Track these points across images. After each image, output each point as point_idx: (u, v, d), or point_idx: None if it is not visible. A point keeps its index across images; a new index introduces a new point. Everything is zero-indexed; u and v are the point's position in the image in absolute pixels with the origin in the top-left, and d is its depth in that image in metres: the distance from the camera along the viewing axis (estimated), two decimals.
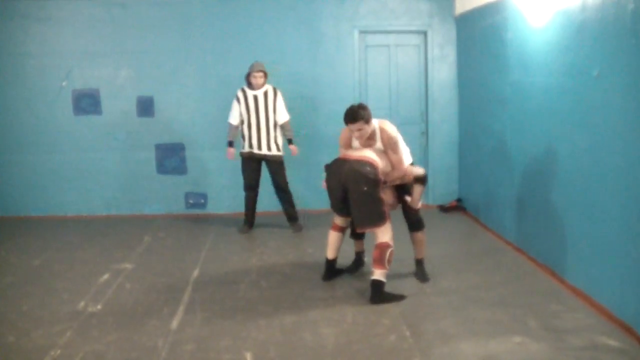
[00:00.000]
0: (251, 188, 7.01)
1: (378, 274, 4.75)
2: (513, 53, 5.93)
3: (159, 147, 7.91)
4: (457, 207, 7.95)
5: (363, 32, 7.95)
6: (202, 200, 8.03)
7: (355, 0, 7.85)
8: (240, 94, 6.81)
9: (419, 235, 5.32)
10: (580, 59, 4.59)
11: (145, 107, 7.85)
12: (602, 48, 4.29)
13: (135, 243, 6.58)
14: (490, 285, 5.07)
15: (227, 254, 6.19)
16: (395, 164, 5.03)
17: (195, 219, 7.75)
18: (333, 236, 5.29)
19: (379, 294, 4.74)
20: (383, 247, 4.78)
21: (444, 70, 8.02)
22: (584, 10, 4.51)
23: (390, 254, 4.79)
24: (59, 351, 3.96)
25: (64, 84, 7.73)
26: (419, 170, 5.16)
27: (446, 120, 8.06)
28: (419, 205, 5.26)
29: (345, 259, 5.62)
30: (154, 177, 7.97)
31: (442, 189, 8.17)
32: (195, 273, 5.56)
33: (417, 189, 5.15)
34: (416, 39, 8.05)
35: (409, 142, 7.95)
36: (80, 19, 7.68)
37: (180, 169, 7.97)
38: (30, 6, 7.63)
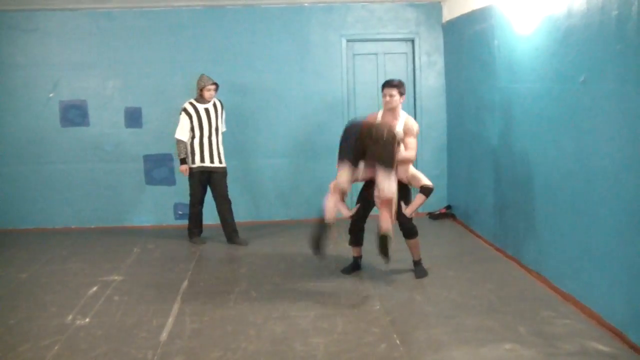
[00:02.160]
0: (201, 202, 6.97)
1: (386, 229, 4.93)
2: (500, 59, 5.96)
3: (147, 158, 7.88)
4: (446, 214, 7.95)
5: (351, 40, 7.96)
6: (189, 213, 7.98)
7: (343, 8, 7.86)
8: (190, 109, 6.71)
9: (413, 241, 5.54)
10: (566, 65, 4.62)
11: (133, 118, 7.82)
12: (588, 54, 4.31)
13: (124, 255, 6.54)
14: (480, 292, 5.06)
15: (217, 265, 6.16)
16: (408, 146, 5.34)
17: (185, 229, 7.71)
18: (332, 200, 5.22)
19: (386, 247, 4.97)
20: (389, 202, 4.97)
21: (432, 77, 8.04)
22: (569, 17, 4.53)
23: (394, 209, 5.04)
24: None
25: (51, 95, 7.69)
26: (427, 181, 5.37)
27: (434, 127, 8.07)
28: (412, 214, 5.39)
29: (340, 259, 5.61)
30: (142, 188, 7.93)
31: (431, 196, 8.13)
32: (185, 284, 5.53)
33: (419, 198, 5.36)
34: (404, 47, 8.07)
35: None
36: (67, 30, 7.65)
37: (169, 179, 7.93)
38: (16, 17, 7.59)
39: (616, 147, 4.00)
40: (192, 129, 6.69)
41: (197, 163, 6.74)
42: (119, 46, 7.71)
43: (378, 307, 4.82)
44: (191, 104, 6.72)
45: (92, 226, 7.87)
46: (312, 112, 7.92)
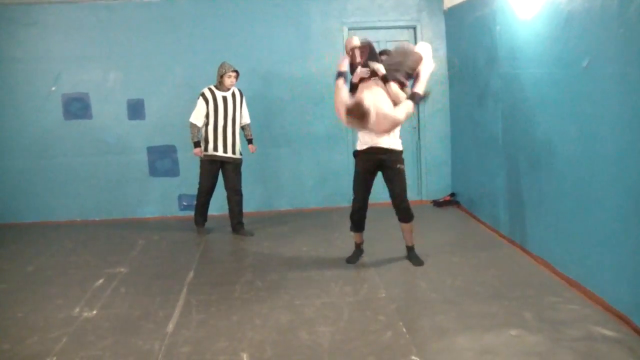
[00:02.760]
0: (209, 193, 6.89)
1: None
2: (502, 45, 5.93)
3: (151, 150, 7.88)
4: (450, 201, 7.94)
5: (352, 28, 7.92)
6: (196, 202, 8.00)
7: None
8: (209, 95, 6.63)
9: (407, 225, 5.58)
10: (569, 50, 4.60)
11: (136, 109, 7.82)
12: (591, 38, 4.29)
13: (129, 247, 6.56)
14: (485, 278, 5.07)
15: (222, 255, 6.18)
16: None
17: (189, 220, 7.72)
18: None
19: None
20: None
21: (434, 63, 7.98)
22: (571, 1, 4.51)
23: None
24: (54, 358, 3.94)
25: (53, 89, 7.69)
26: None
27: (437, 115, 8.05)
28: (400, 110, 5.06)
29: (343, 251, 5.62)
30: (146, 179, 7.94)
31: (435, 184, 8.17)
32: (190, 275, 5.55)
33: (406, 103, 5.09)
34: (406, 34, 8.03)
35: (401, 137, 7.99)
36: (66, 23, 7.63)
37: (173, 171, 7.94)
38: (16, 11, 7.57)
39: (619, 131, 3.99)
40: (207, 115, 6.62)
41: (210, 151, 6.67)
42: (120, 38, 7.69)
43: (383, 295, 4.83)
44: (210, 90, 6.65)
45: (97, 219, 7.88)
46: (313, 101, 7.90)
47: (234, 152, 6.73)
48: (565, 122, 4.73)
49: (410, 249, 5.66)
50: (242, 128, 6.91)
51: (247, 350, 3.94)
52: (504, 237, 6.17)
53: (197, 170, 7.90)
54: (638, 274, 3.88)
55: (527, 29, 5.31)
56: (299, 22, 7.82)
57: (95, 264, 6.00)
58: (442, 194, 8.08)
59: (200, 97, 6.63)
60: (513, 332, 3.99)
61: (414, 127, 8.13)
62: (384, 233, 6.32)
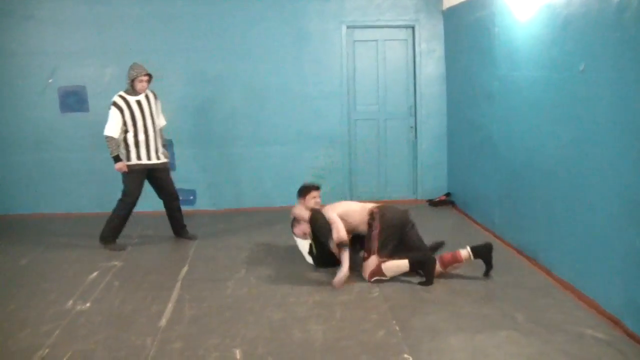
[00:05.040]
0: (134, 203, 6.41)
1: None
2: (500, 47, 5.94)
3: None
4: (446, 201, 7.96)
5: (350, 27, 7.93)
6: (191, 197, 8.01)
7: None
8: (121, 102, 6.11)
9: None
10: (565, 53, 4.61)
11: None
12: (587, 42, 4.30)
13: (124, 241, 6.54)
14: (478, 279, 5.08)
15: (216, 251, 6.18)
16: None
17: (184, 215, 7.71)
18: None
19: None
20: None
21: (431, 64, 8.02)
22: (569, 5, 4.52)
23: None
24: (46, 351, 3.94)
25: (50, 81, 7.67)
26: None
27: (434, 115, 8.07)
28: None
29: None
30: None
31: (431, 184, 8.18)
32: (184, 270, 5.55)
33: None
34: (404, 34, 8.04)
35: (397, 138, 8.01)
36: (63, 17, 7.60)
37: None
38: (12, 4, 7.55)
39: (614, 136, 4.00)
40: (125, 124, 6.13)
41: (134, 161, 6.23)
42: (116, 33, 7.67)
43: (377, 294, 4.83)
44: (121, 96, 6.13)
45: (92, 212, 7.86)
46: (311, 100, 7.91)
47: (158, 158, 6.34)
48: (560, 125, 4.74)
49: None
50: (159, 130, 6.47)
51: (240, 347, 3.95)
52: (497, 238, 6.19)
53: (193, 166, 7.92)
54: (630, 277, 3.90)
55: (525, 31, 5.32)
56: (297, 20, 7.82)
57: (89, 258, 6.00)
58: (438, 194, 8.10)
59: (113, 107, 6.11)
60: (505, 334, 4.00)
61: (411, 126, 8.14)
62: None
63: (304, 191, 5.80)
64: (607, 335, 3.92)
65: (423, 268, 5.07)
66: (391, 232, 5.22)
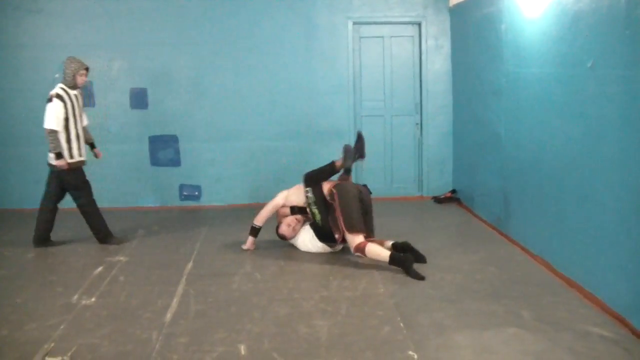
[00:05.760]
0: (92, 198, 6.29)
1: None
2: (507, 44, 5.92)
3: (153, 139, 7.88)
4: (451, 198, 7.95)
5: (357, 23, 7.92)
6: (197, 193, 8.02)
7: None
8: (63, 94, 5.90)
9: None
10: (574, 50, 4.59)
11: (139, 99, 7.82)
12: (597, 39, 4.28)
13: (130, 236, 6.56)
14: (484, 276, 5.07)
15: (221, 247, 6.18)
16: None
17: (190, 211, 7.73)
18: (374, 245, 5.39)
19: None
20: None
21: (438, 61, 8.00)
22: (578, 1, 4.49)
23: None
24: (52, 344, 3.94)
25: (56, 76, 7.67)
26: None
27: (440, 112, 8.06)
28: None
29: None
30: (147, 169, 7.95)
31: (436, 180, 8.18)
32: (189, 265, 5.56)
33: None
34: (410, 30, 8.03)
35: (403, 134, 8.02)
36: (72, 11, 7.63)
37: (174, 161, 7.94)
38: None
39: (623, 133, 3.98)
40: (67, 118, 5.91)
41: (76, 157, 6.04)
42: (124, 28, 7.70)
43: (382, 290, 4.83)
44: (62, 89, 5.93)
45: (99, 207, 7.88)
46: (317, 95, 7.91)
47: (83, 154, 6.17)
48: (568, 122, 4.72)
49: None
50: (84, 128, 6.27)
51: (245, 342, 3.94)
52: (503, 235, 6.18)
53: (198, 161, 7.91)
54: (637, 276, 3.89)
55: (533, 27, 5.30)
56: (304, 16, 7.82)
57: (95, 252, 6.01)
58: (443, 191, 8.09)
59: (56, 99, 5.85)
60: (511, 331, 3.99)
61: (417, 123, 8.13)
62: (382, 228, 6.30)
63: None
64: (613, 334, 3.91)
65: (400, 265, 5.20)
66: (350, 208, 5.44)
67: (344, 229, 5.41)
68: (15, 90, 7.71)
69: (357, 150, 5.75)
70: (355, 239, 5.38)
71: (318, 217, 5.66)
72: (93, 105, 7.78)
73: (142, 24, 7.69)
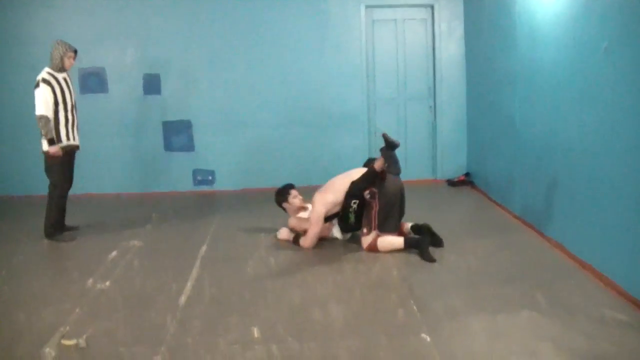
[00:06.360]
0: (68, 191, 6.13)
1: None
2: (521, 26, 5.85)
3: (167, 125, 7.90)
4: (465, 181, 7.91)
5: (370, 6, 7.87)
6: (210, 178, 8.04)
7: None
8: (50, 78, 5.79)
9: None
10: (589, 32, 4.51)
11: (152, 84, 7.82)
12: (613, 21, 4.21)
13: (144, 221, 6.60)
14: (498, 260, 5.05)
15: (235, 231, 6.19)
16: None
17: (204, 196, 7.75)
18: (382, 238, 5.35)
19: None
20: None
21: (451, 45, 7.95)
22: None
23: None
24: (67, 328, 3.97)
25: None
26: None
27: (454, 95, 8.01)
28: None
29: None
30: (161, 154, 7.97)
31: (450, 164, 8.14)
32: (204, 250, 5.57)
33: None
34: (423, 13, 7.97)
35: (418, 118, 8.00)
36: (85, 2, 7.64)
37: (188, 146, 7.96)
38: None
39: (639, 117, 3.93)
40: (56, 102, 5.81)
41: (64, 142, 5.92)
42: (137, 16, 7.71)
43: (396, 274, 4.82)
44: (49, 73, 5.82)
45: (112, 192, 7.92)
46: (330, 80, 7.89)
47: (77, 138, 6.12)
48: (583, 106, 4.66)
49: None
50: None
51: (259, 326, 3.94)
52: (518, 219, 6.14)
53: (212, 146, 7.92)
54: None
55: (547, 9, 5.23)
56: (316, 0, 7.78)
57: (110, 237, 6.04)
58: (457, 174, 8.06)
59: (43, 84, 5.74)
60: (526, 315, 3.96)
61: (430, 106, 8.09)
62: None
63: (284, 194, 5.85)
64: (629, 317, 3.88)
65: (417, 247, 5.19)
66: (390, 210, 5.32)
67: (376, 228, 5.32)
68: (30, 81, 7.70)
69: (390, 148, 5.45)
70: (367, 239, 5.34)
71: (352, 219, 5.52)
72: (106, 91, 7.79)
73: (154, 14, 7.70)
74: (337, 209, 5.46)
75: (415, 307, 4.16)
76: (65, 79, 5.94)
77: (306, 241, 5.50)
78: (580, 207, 4.81)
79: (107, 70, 7.76)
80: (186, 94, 7.83)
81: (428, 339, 3.70)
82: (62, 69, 5.91)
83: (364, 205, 5.40)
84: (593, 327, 3.77)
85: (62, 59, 5.86)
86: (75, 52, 5.98)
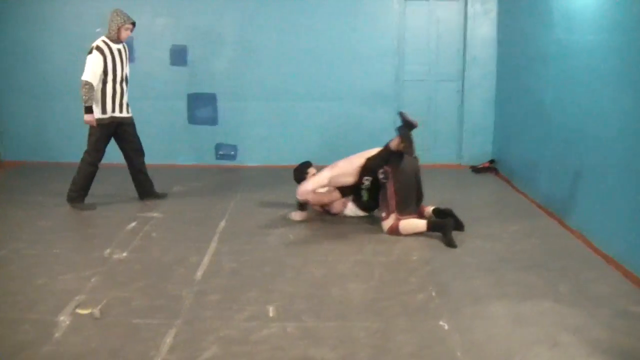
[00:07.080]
0: (100, 161, 6.06)
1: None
2: (558, 8, 5.70)
3: (191, 97, 7.87)
4: (489, 168, 7.79)
5: None
6: (232, 152, 8.01)
7: None
8: (104, 47, 5.73)
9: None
10: (631, 14, 4.36)
11: (179, 56, 7.78)
12: None
13: (165, 192, 6.57)
14: (522, 248, 4.96)
15: (255, 206, 6.16)
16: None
17: (226, 170, 7.71)
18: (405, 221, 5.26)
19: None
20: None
21: (485, 26, 7.79)
22: None
23: None
24: (84, 296, 3.97)
25: (98, 30, 7.64)
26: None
27: (484, 78, 7.87)
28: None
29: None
30: (185, 127, 7.95)
31: (475, 149, 8.01)
32: (223, 223, 5.55)
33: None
34: None
35: (446, 100, 7.89)
36: None
37: (212, 119, 7.92)
38: None
39: None
40: (105, 72, 5.78)
41: (109, 113, 5.87)
42: None
43: (416, 257, 4.76)
44: (104, 42, 5.76)
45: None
46: (361, 57, 7.80)
47: (128, 111, 6.07)
48: (620, 92, 4.52)
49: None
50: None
51: (277, 301, 3.91)
52: (542, 208, 6.02)
53: (235, 120, 7.88)
54: None
55: None
56: None
57: (130, 208, 6.06)
58: (481, 160, 7.93)
59: (96, 51, 5.69)
60: (548, 304, 3.88)
61: (458, 90, 7.96)
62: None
63: (303, 172, 5.82)
64: None
65: (441, 230, 5.12)
66: (407, 191, 5.27)
67: (394, 210, 5.24)
68: (60, 44, 7.74)
69: (408, 127, 5.37)
70: (388, 222, 5.26)
71: (366, 197, 5.55)
72: (133, 61, 7.75)
73: None
74: (349, 180, 5.44)
75: (435, 292, 4.09)
76: (119, 50, 5.86)
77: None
78: (608, 198, 4.67)
79: (135, 40, 7.71)
80: (213, 67, 7.77)
81: (447, 323, 3.64)
82: (117, 40, 5.83)
83: (378, 186, 5.35)
84: (616, 319, 3.69)
85: (119, 30, 5.77)
86: (134, 24, 5.87)
